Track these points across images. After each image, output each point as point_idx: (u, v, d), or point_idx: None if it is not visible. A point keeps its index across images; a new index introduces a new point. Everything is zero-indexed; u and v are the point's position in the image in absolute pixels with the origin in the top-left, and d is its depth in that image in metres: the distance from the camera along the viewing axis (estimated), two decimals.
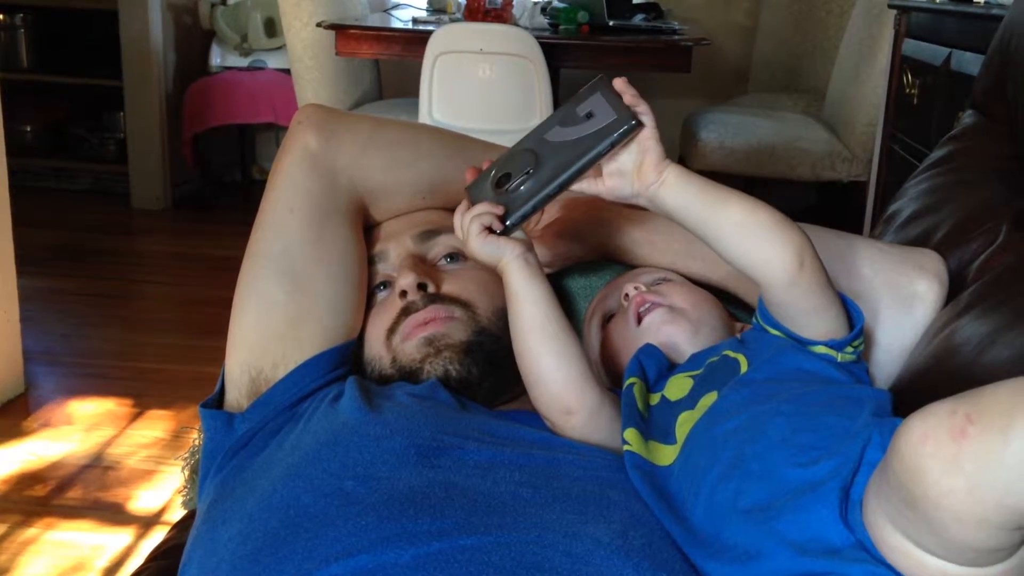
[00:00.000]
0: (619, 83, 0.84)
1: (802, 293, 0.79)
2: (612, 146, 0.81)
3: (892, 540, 0.62)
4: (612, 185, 0.83)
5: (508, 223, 0.86)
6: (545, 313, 0.86)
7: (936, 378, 0.90)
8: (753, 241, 0.79)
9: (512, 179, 0.86)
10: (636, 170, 0.82)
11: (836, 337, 0.81)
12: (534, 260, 0.88)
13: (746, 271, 0.81)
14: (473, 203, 0.88)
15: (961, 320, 0.92)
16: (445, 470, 0.80)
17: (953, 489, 0.55)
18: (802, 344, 0.82)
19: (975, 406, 0.56)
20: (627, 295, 0.95)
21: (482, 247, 0.86)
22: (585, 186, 0.84)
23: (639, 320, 0.93)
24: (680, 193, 0.81)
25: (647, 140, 0.82)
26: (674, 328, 0.92)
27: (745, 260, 0.80)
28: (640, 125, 0.81)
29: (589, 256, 1.04)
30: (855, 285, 0.94)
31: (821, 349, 0.82)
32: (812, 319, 0.81)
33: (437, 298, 0.99)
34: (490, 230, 0.86)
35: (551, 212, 1.06)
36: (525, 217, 0.86)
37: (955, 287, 0.99)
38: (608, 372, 0.97)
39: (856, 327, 0.82)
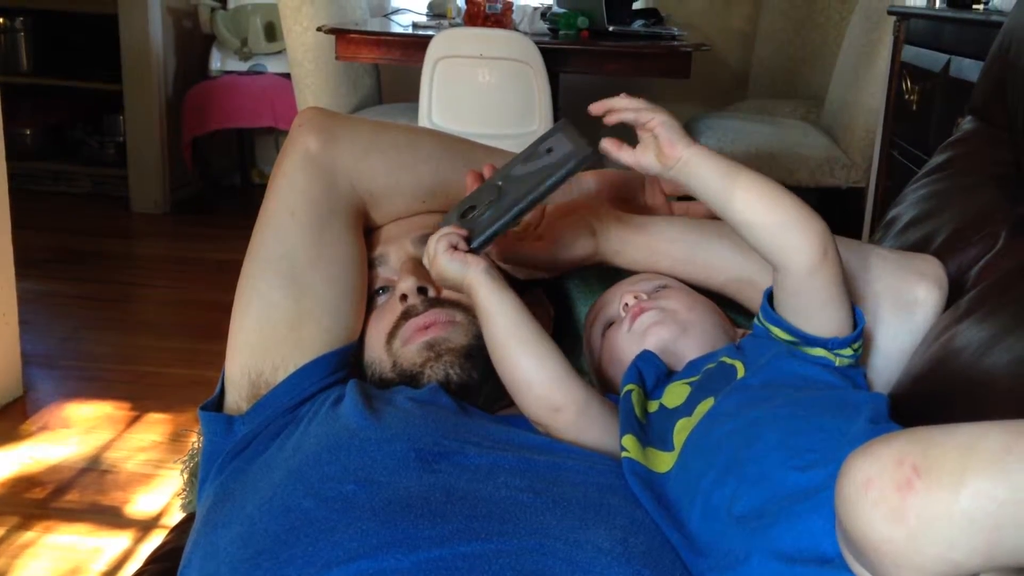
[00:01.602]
0: (595, 108, 0.86)
1: (821, 283, 0.80)
2: (568, 174, 0.87)
3: (850, 561, 0.63)
4: (643, 161, 0.84)
5: (472, 245, 0.89)
6: (516, 320, 0.87)
7: (936, 382, 0.90)
8: (777, 228, 0.80)
9: (476, 209, 0.92)
10: (657, 152, 0.83)
11: (840, 335, 0.81)
12: (498, 275, 0.89)
13: (769, 256, 0.81)
14: None
15: (961, 325, 0.92)
16: (445, 475, 0.80)
17: (893, 538, 0.55)
18: (802, 342, 0.82)
19: (924, 457, 0.55)
20: (627, 304, 0.96)
21: (448, 263, 0.88)
22: (626, 156, 0.85)
23: (639, 330, 0.93)
24: (698, 177, 0.82)
25: (656, 127, 0.83)
26: (662, 328, 0.92)
27: (768, 246, 0.80)
28: (596, 155, 0.85)
29: (589, 262, 1.04)
30: (854, 289, 0.94)
31: (818, 352, 0.82)
32: (823, 313, 0.81)
33: (437, 302, 1.00)
34: (456, 249, 0.89)
35: (549, 220, 1.06)
36: (488, 241, 0.90)
37: (954, 292, 0.99)
38: (608, 379, 0.97)
39: (857, 328, 0.82)
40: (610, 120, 0.85)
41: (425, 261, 0.91)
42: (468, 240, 0.89)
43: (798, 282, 0.80)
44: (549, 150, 0.90)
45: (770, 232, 0.80)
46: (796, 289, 0.81)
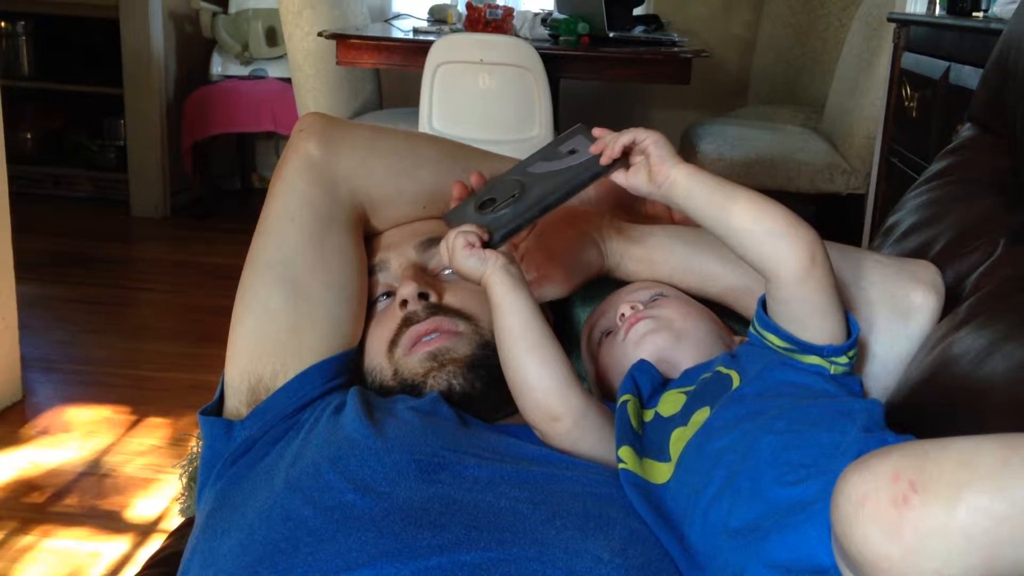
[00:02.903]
0: (598, 131, 0.89)
1: (811, 290, 0.80)
2: (596, 176, 0.87)
3: (846, 575, 0.63)
4: (634, 182, 0.87)
5: (494, 239, 0.89)
6: (527, 321, 0.87)
7: (934, 390, 0.90)
8: (765, 238, 0.81)
9: (497, 203, 0.91)
10: (647, 172, 0.86)
11: (835, 343, 0.82)
12: (516, 272, 0.89)
13: (757, 267, 0.82)
14: (452, 227, 0.91)
15: (959, 332, 0.92)
16: (445, 485, 0.80)
17: (890, 555, 0.55)
18: (797, 349, 0.83)
19: (920, 472, 0.55)
20: (623, 314, 0.96)
21: (466, 260, 0.88)
22: (620, 178, 0.88)
23: (635, 341, 0.93)
24: (688, 194, 0.84)
25: (649, 146, 0.85)
26: (656, 337, 0.93)
27: (756, 256, 0.82)
28: (624, 160, 0.87)
29: (591, 276, 1.05)
30: (851, 296, 0.94)
31: (813, 360, 0.82)
32: (817, 320, 0.81)
33: (440, 309, 0.99)
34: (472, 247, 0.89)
35: (546, 232, 1.06)
36: (510, 235, 0.89)
37: (953, 299, 0.99)
38: (604, 389, 0.97)
39: (852, 336, 0.83)
40: (616, 151, 0.86)
41: (444, 256, 0.91)
42: (489, 235, 0.89)
43: (788, 291, 0.81)
44: (572, 151, 0.91)
45: (758, 242, 0.81)
46: (787, 297, 0.82)
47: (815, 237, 0.81)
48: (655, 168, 0.85)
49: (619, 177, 0.88)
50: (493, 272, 0.88)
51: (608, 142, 0.87)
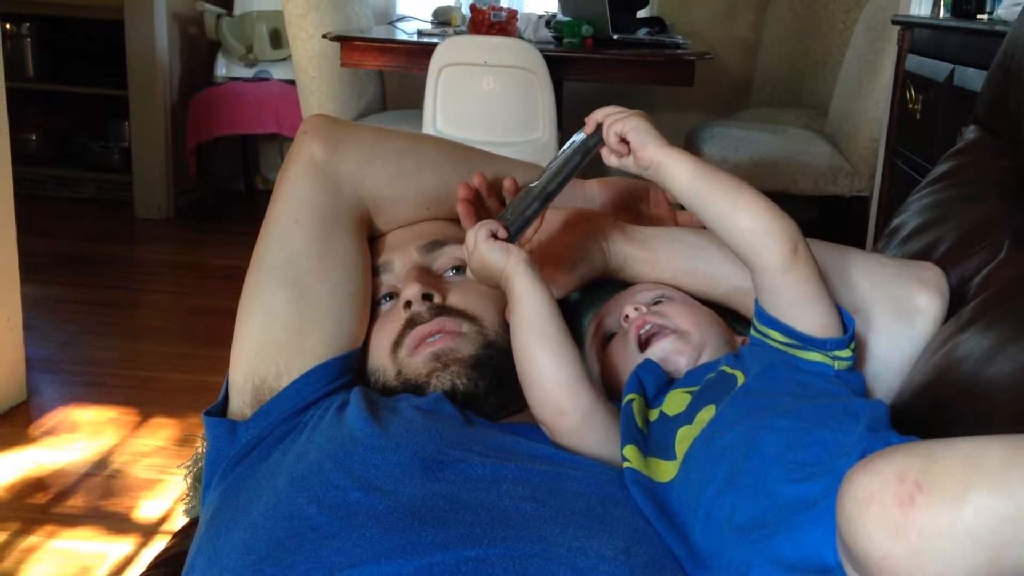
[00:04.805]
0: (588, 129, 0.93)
1: (796, 279, 0.82)
2: (588, 153, 0.93)
3: (851, 574, 0.63)
4: (624, 163, 0.90)
5: (510, 233, 0.92)
6: (545, 313, 0.88)
7: (938, 392, 0.90)
8: (748, 225, 0.83)
9: (508, 206, 0.96)
10: (634, 153, 0.89)
11: (831, 334, 0.83)
12: (536, 268, 0.90)
13: (742, 255, 0.84)
14: None
15: (963, 334, 0.92)
16: (449, 483, 0.80)
17: (895, 555, 0.55)
18: (799, 345, 0.83)
19: (926, 472, 0.55)
20: (627, 316, 0.96)
21: (491, 249, 0.90)
22: (614, 160, 0.91)
23: (640, 343, 0.94)
24: (672, 179, 0.87)
25: (629, 132, 0.88)
26: (661, 339, 0.93)
27: (741, 243, 0.84)
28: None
29: (593, 277, 1.05)
30: (855, 298, 0.94)
31: (815, 357, 0.83)
32: (806, 309, 0.83)
33: (443, 310, 1.00)
34: (496, 238, 0.91)
35: (550, 233, 1.06)
36: (523, 227, 0.93)
37: (957, 301, 0.99)
38: (609, 391, 0.97)
39: (849, 330, 0.84)
40: (590, 125, 0.91)
41: (464, 252, 0.93)
42: (506, 231, 0.92)
43: (774, 280, 0.83)
44: (571, 143, 0.96)
45: (741, 232, 0.83)
46: (774, 286, 0.83)
47: (796, 229, 0.83)
48: (638, 153, 0.87)
49: (613, 160, 0.90)
50: (517, 263, 0.89)
51: (598, 118, 0.90)
